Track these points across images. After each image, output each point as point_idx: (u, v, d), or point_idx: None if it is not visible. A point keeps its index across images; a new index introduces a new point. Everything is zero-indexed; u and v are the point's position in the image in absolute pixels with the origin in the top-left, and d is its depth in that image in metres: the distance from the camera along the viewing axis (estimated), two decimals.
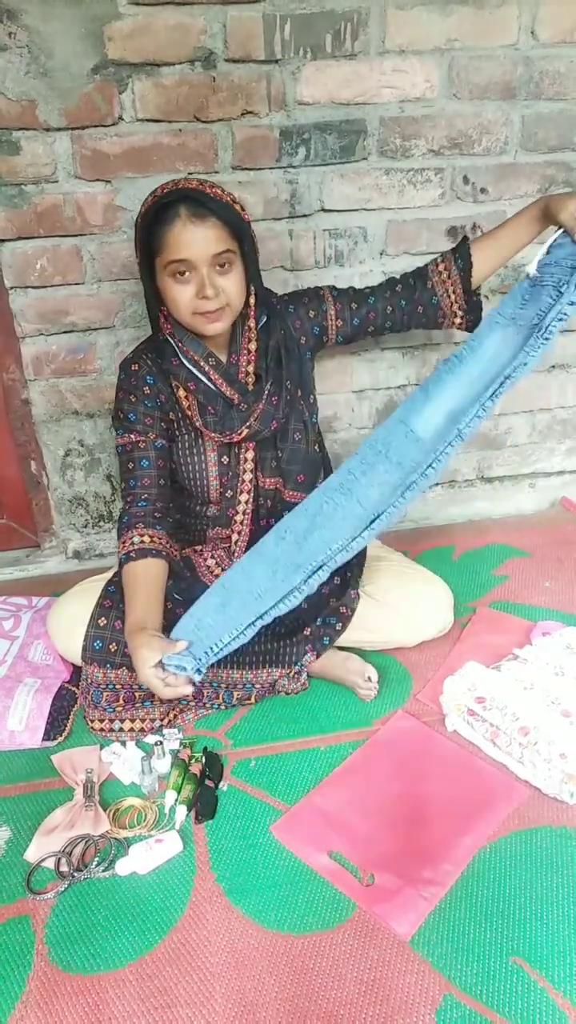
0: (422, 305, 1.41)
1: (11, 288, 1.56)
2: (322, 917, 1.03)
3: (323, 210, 1.62)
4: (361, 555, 1.48)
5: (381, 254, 1.69)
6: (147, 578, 1.28)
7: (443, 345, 1.81)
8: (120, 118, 1.45)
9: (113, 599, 1.37)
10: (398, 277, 1.43)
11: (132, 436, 1.35)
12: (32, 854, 1.13)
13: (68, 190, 1.49)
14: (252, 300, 1.29)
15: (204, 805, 1.19)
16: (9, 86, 1.39)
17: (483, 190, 1.66)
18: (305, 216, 1.61)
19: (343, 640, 1.44)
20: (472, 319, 1.42)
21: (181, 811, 1.18)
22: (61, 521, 1.84)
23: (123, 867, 1.10)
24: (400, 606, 1.45)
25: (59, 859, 1.12)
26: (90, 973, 0.98)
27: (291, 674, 1.40)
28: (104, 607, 1.35)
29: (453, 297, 1.40)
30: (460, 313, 1.42)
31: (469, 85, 1.56)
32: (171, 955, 1.00)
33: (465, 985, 0.94)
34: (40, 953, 1.00)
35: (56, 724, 1.35)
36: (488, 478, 2.04)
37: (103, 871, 1.10)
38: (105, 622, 1.34)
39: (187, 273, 1.20)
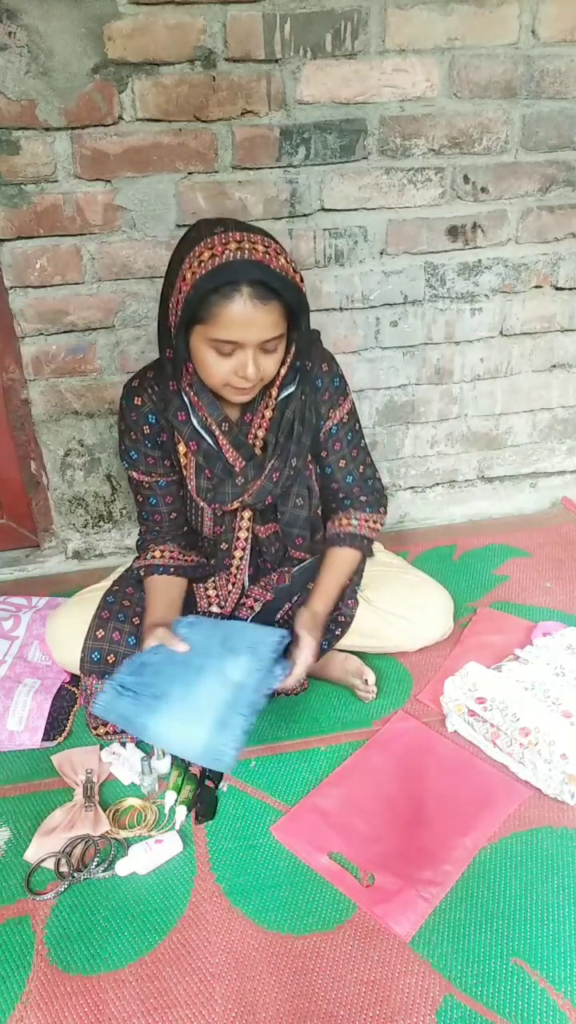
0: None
1: (11, 288, 1.56)
2: (322, 918, 1.03)
3: (323, 209, 1.61)
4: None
5: (381, 253, 1.68)
6: (158, 589, 1.35)
7: (443, 344, 1.81)
8: (120, 118, 1.45)
9: (111, 610, 1.36)
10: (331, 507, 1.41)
11: (136, 473, 1.32)
12: (32, 854, 1.13)
13: (68, 190, 1.49)
14: (283, 370, 1.20)
15: (204, 805, 1.19)
16: (9, 85, 1.39)
17: (483, 189, 1.66)
18: (305, 215, 1.61)
19: (343, 644, 1.44)
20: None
21: (181, 811, 1.18)
22: (61, 521, 1.84)
23: (123, 867, 1.10)
24: (401, 614, 1.44)
25: (59, 859, 1.12)
26: (90, 974, 0.98)
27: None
28: (102, 618, 1.35)
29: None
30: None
31: (470, 84, 1.56)
32: (171, 956, 1.00)
33: (465, 986, 0.94)
34: (40, 954, 1.00)
35: (56, 724, 1.35)
36: (489, 478, 2.04)
37: (103, 871, 1.10)
38: (103, 634, 1.33)
39: (231, 350, 1.11)
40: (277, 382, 1.22)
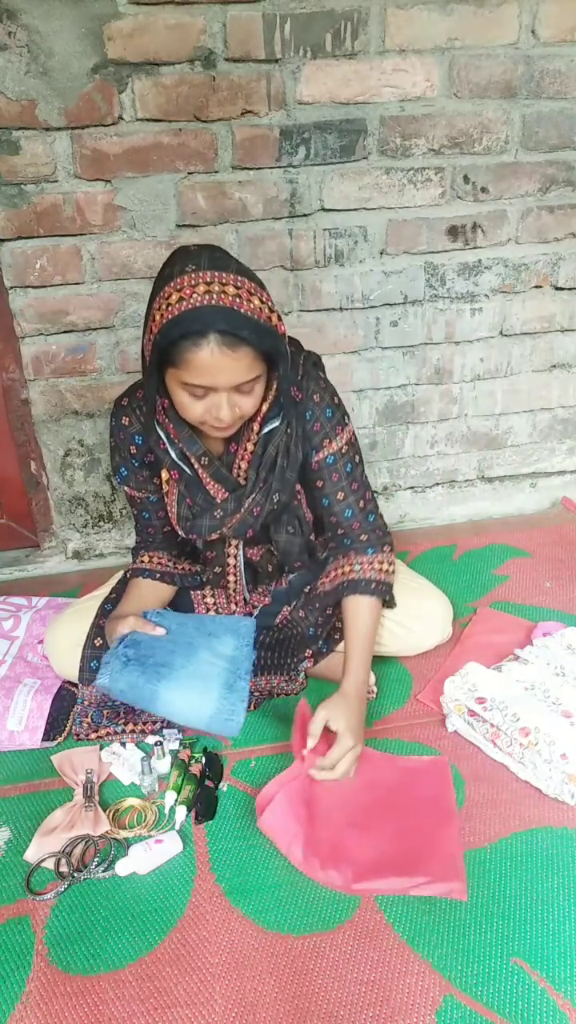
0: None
1: (11, 288, 1.56)
2: (322, 918, 1.03)
3: (323, 209, 1.61)
4: None
5: (381, 253, 1.68)
6: (138, 591, 1.37)
7: (443, 344, 1.81)
8: (120, 118, 1.45)
9: (109, 618, 1.36)
10: (333, 542, 1.36)
11: (128, 488, 1.32)
12: (32, 854, 1.13)
13: (68, 190, 1.49)
14: (264, 407, 1.16)
15: (204, 805, 1.19)
16: (9, 85, 1.39)
17: (483, 189, 1.66)
18: (305, 215, 1.61)
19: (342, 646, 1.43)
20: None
21: (181, 811, 1.18)
22: (61, 521, 1.84)
23: (123, 867, 1.09)
24: (400, 622, 1.43)
25: (59, 859, 1.11)
26: (90, 974, 0.98)
27: (288, 677, 1.40)
28: (100, 627, 1.35)
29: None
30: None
31: (469, 84, 1.56)
32: (171, 956, 0.99)
33: (465, 986, 0.94)
34: (40, 954, 1.00)
35: (56, 724, 1.35)
36: (489, 478, 2.04)
37: (103, 871, 1.10)
38: (101, 642, 1.33)
39: (204, 393, 1.07)
40: (259, 417, 1.18)
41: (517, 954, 0.97)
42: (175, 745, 1.31)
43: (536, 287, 1.80)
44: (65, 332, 1.62)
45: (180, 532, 1.31)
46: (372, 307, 1.74)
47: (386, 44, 1.49)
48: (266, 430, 1.19)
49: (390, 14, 1.46)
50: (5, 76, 1.38)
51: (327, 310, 1.72)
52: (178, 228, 1.57)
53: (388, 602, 1.37)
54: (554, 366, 1.91)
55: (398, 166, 1.60)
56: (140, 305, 1.62)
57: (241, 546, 1.36)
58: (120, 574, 1.52)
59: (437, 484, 2.01)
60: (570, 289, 1.82)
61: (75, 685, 1.44)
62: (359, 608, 1.30)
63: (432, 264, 1.72)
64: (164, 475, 1.27)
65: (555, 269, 1.79)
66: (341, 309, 1.72)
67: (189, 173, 1.52)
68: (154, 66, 1.42)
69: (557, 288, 1.81)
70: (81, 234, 1.54)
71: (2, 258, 1.53)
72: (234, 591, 1.41)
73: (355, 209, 1.63)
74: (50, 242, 1.53)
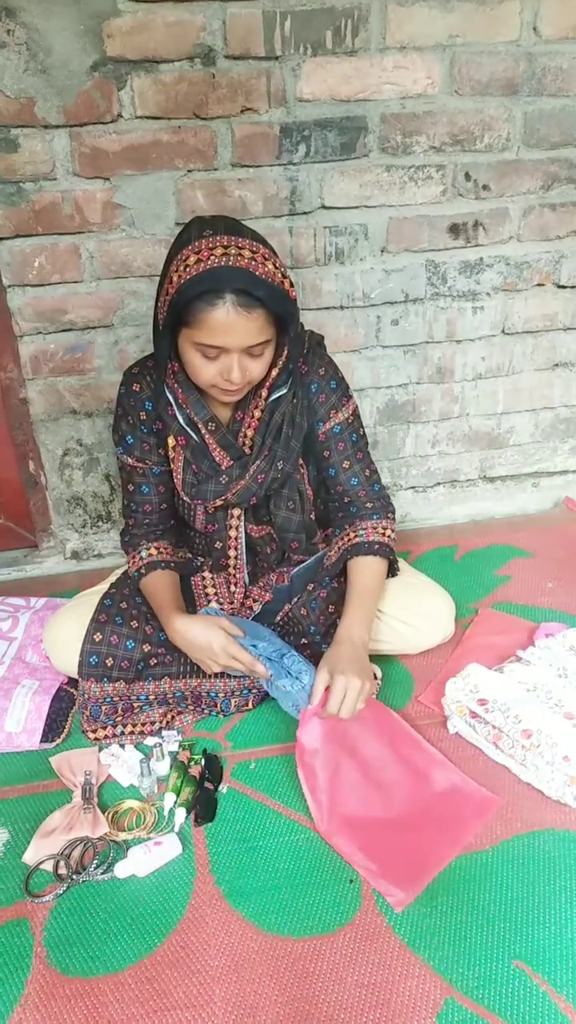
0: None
1: (9, 286, 1.55)
2: (322, 920, 1.03)
3: (323, 207, 1.61)
4: None
5: (382, 251, 1.68)
6: (166, 584, 1.34)
7: (444, 343, 1.81)
8: (119, 115, 1.45)
9: (108, 613, 1.35)
10: (340, 513, 1.39)
11: (131, 460, 1.33)
12: (30, 856, 1.12)
13: (67, 188, 1.49)
14: (274, 372, 1.21)
15: (203, 807, 1.18)
16: (7, 83, 1.38)
17: (485, 187, 1.65)
18: (305, 213, 1.61)
19: None
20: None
21: (180, 813, 1.17)
22: (59, 521, 1.84)
23: (122, 870, 1.09)
24: (403, 619, 1.43)
25: (57, 862, 1.11)
26: (89, 976, 0.97)
27: None
28: (99, 622, 1.34)
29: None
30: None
31: (471, 81, 1.55)
32: (170, 958, 0.99)
33: (467, 989, 0.93)
34: (38, 956, 1.00)
35: (54, 726, 1.35)
36: (491, 478, 2.03)
37: (102, 874, 1.09)
38: (100, 637, 1.32)
39: (217, 354, 1.12)
40: (267, 383, 1.22)
41: (519, 957, 0.97)
42: (174, 747, 1.30)
43: (538, 285, 1.79)
44: (63, 331, 1.62)
45: (185, 498, 1.32)
46: (373, 305, 1.73)
47: (387, 41, 1.48)
48: (273, 397, 1.23)
49: (391, 11, 1.46)
50: (4, 74, 1.38)
51: (328, 308, 1.71)
52: (177, 226, 1.56)
53: (392, 570, 1.40)
54: (556, 365, 1.91)
55: (399, 164, 1.60)
56: (139, 304, 1.61)
57: (243, 519, 1.36)
58: (119, 570, 1.51)
59: (439, 484, 2.00)
60: (572, 287, 1.81)
61: (73, 686, 1.44)
62: (362, 567, 1.32)
63: (433, 262, 1.71)
64: (171, 442, 1.29)
65: (557, 267, 1.78)
66: (342, 307, 1.72)
67: (188, 171, 1.52)
68: (153, 63, 1.42)
69: (559, 286, 1.81)
70: (80, 232, 1.53)
71: (0, 256, 1.53)
72: (234, 568, 1.40)
73: (356, 207, 1.62)
74: (48, 240, 1.53)
